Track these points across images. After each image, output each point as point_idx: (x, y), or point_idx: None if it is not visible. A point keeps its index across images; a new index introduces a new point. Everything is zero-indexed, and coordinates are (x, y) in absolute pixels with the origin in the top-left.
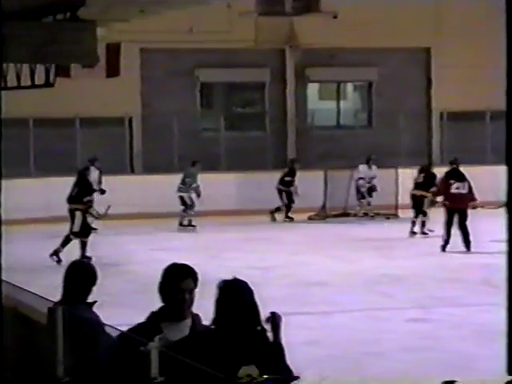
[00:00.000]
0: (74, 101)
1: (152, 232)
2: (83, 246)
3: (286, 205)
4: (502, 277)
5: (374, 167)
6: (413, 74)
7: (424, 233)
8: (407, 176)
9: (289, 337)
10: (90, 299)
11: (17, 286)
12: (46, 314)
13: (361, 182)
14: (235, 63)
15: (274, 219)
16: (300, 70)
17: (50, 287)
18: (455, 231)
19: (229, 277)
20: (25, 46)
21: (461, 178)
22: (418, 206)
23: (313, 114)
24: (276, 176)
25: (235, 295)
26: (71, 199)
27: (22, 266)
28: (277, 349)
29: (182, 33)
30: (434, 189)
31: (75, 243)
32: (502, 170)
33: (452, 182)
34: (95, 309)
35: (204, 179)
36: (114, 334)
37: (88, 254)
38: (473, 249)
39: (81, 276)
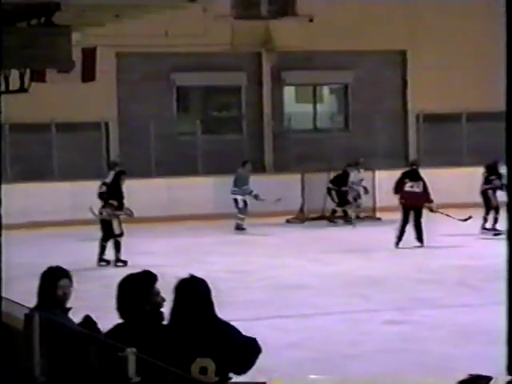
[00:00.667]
0: (50, 106)
1: (130, 236)
2: (103, 250)
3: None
4: (480, 278)
5: (362, 170)
6: (389, 77)
7: (495, 230)
8: (384, 178)
9: (269, 339)
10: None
11: None
12: (23, 320)
13: (354, 186)
14: (211, 67)
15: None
16: (276, 74)
17: (27, 293)
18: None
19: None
20: None
21: (415, 177)
22: (487, 203)
23: (289, 117)
24: (252, 179)
25: (191, 290)
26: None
27: None
28: (230, 331)
29: (158, 37)
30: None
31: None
32: (479, 171)
33: (407, 181)
34: (71, 314)
35: (181, 183)
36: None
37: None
38: (452, 250)
39: (56, 282)
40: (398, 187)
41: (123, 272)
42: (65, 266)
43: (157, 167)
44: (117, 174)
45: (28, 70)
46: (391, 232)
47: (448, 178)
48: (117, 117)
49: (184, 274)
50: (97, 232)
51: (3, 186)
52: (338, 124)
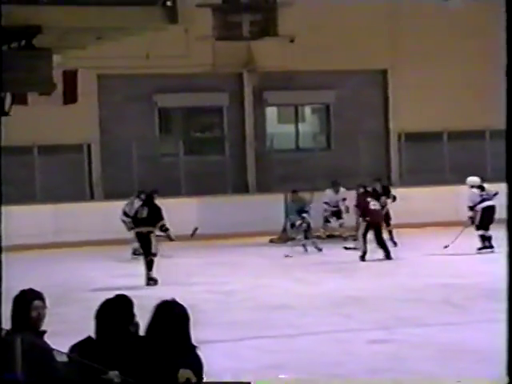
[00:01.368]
0: (32, 128)
1: (112, 258)
2: (150, 266)
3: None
4: (464, 296)
5: (342, 190)
6: (370, 96)
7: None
8: None
9: (253, 361)
10: (43, 327)
11: None
12: None
13: (325, 206)
14: (193, 88)
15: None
16: (258, 94)
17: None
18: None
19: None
20: None
21: (376, 195)
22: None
23: (272, 138)
24: (235, 200)
25: (168, 311)
26: (141, 222)
27: None
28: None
29: (139, 58)
30: None
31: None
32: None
33: (369, 199)
34: (49, 337)
35: (164, 204)
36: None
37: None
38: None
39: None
40: (362, 205)
41: (110, 295)
42: (47, 289)
43: (140, 188)
44: (149, 196)
45: (9, 94)
46: (374, 251)
47: (430, 197)
48: (99, 138)
49: (166, 296)
50: (78, 254)
51: None
52: (321, 144)
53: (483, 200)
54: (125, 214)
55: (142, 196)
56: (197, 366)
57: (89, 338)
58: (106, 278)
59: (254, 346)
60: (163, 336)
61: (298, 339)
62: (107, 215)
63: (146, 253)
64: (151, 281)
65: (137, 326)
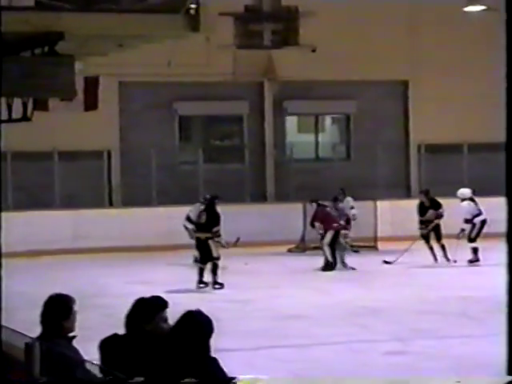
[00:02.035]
0: (52, 134)
1: (129, 265)
2: (201, 272)
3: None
4: (481, 309)
5: (348, 199)
6: (390, 107)
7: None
8: (386, 208)
9: (268, 370)
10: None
11: None
12: (24, 350)
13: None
14: (213, 96)
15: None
16: (278, 103)
17: (27, 322)
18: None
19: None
20: (2, 80)
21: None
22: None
23: (291, 147)
24: (253, 208)
25: (192, 322)
26: (201, 228)
27: None
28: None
29: (161, 66)
30: None
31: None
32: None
33: (328, 209)
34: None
35: (182, 212)
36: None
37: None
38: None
39: (58, 310)
40: (322, 217)
41: (127, 302)
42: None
43: (158, 196)
44: (211, 201)
45: (31, 99)
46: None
47: (449, 209)
48: (119, 146)
49: (185, 304)
50: (96, 260)
51: (4, 214)
52: (340, 154)
53: (480, 213)
54: (188, 219)
55: (204, 201)
56: (207, 378)
57: (115, 334)
58: (123, 285)
59: (270, 355)
60: (182, 341)
61: (313, 349)
62: (125, 222)
63: (208, 258)
64: (217, 285)
65: (159, 328)
